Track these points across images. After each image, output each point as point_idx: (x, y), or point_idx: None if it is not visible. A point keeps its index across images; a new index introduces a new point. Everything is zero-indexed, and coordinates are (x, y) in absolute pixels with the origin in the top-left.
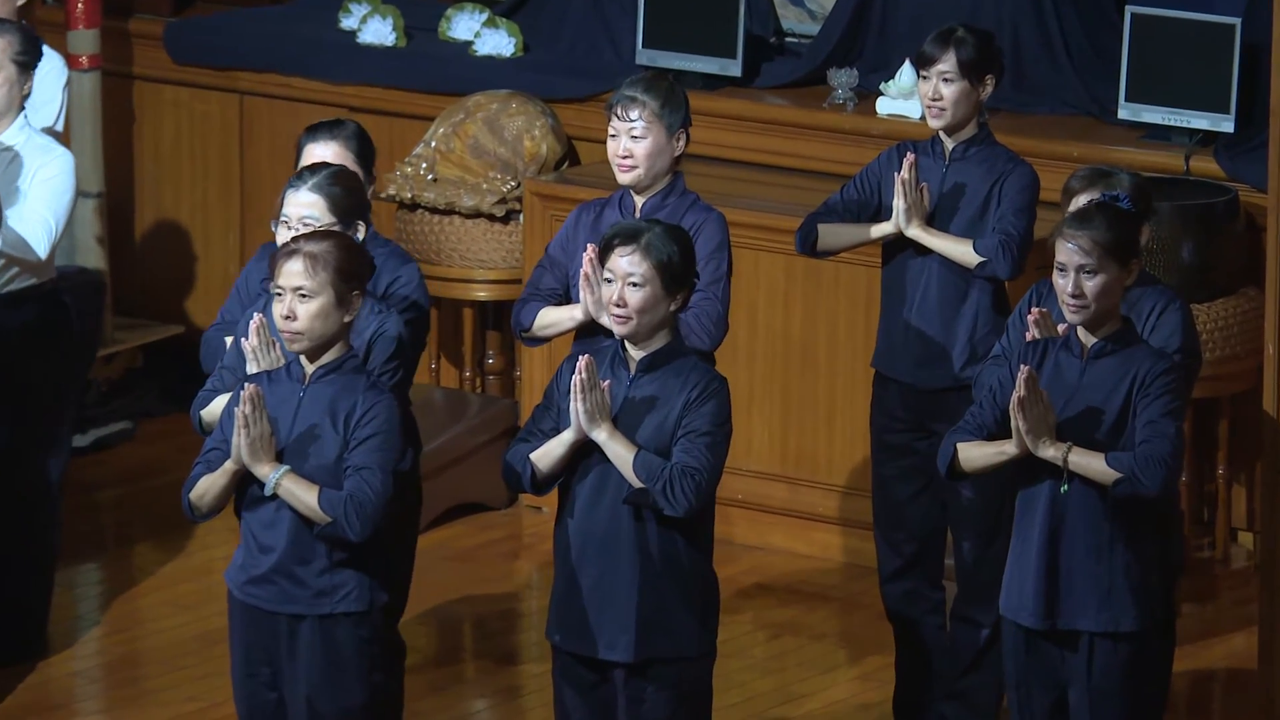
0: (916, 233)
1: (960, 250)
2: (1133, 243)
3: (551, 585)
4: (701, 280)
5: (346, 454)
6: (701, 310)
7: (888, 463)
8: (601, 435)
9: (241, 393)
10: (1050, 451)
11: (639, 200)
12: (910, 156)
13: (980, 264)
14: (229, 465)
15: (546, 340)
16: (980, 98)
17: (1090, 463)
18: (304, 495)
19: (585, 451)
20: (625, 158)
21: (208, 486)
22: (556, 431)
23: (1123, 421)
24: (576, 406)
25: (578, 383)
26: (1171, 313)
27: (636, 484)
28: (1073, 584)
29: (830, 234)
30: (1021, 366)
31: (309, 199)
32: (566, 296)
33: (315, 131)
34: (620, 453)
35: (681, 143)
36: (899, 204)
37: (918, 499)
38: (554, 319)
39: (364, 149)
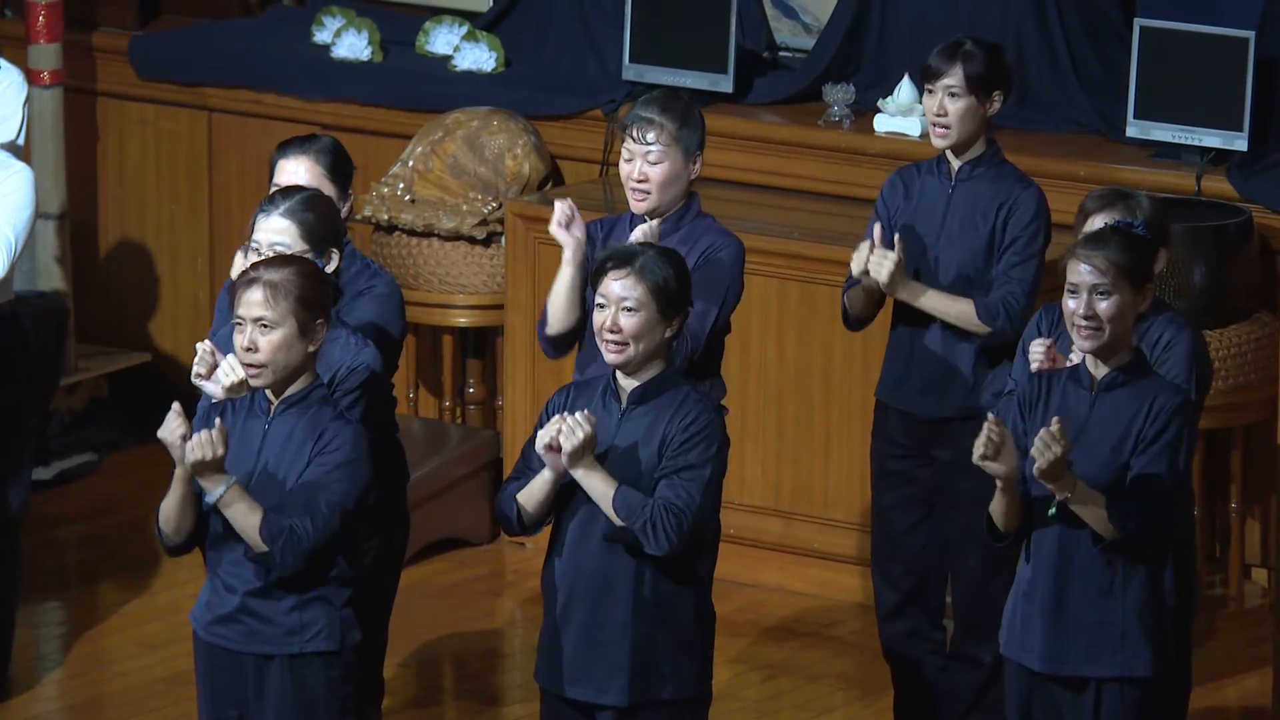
0: (907, 297)
1: (959, 311)
2: (1147, 267)
3: (539, 624)
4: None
5: (308, 471)
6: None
7: (887, 491)
8: (579, 471)
9: (210, 430)
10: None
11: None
12: (878, 231)
13: (988, 334)
14: (179, 473)
15: (568, 339)
16: (987, 114)
17: (1091, 510)
18: (248, 517)
19: (574, 488)
20: (640, 182)
21: (167, 509)
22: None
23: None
24: (553, 443)
25: (556, 420)
26: (1179, 344)
27: (617, 521)
28: (1083, 627)
29: (853, 302)
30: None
31: (280, 224)
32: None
33: (286, 147)
34: (599, 489)
35: (698, 165)
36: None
37: (917, 530)
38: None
39: (337, 165)
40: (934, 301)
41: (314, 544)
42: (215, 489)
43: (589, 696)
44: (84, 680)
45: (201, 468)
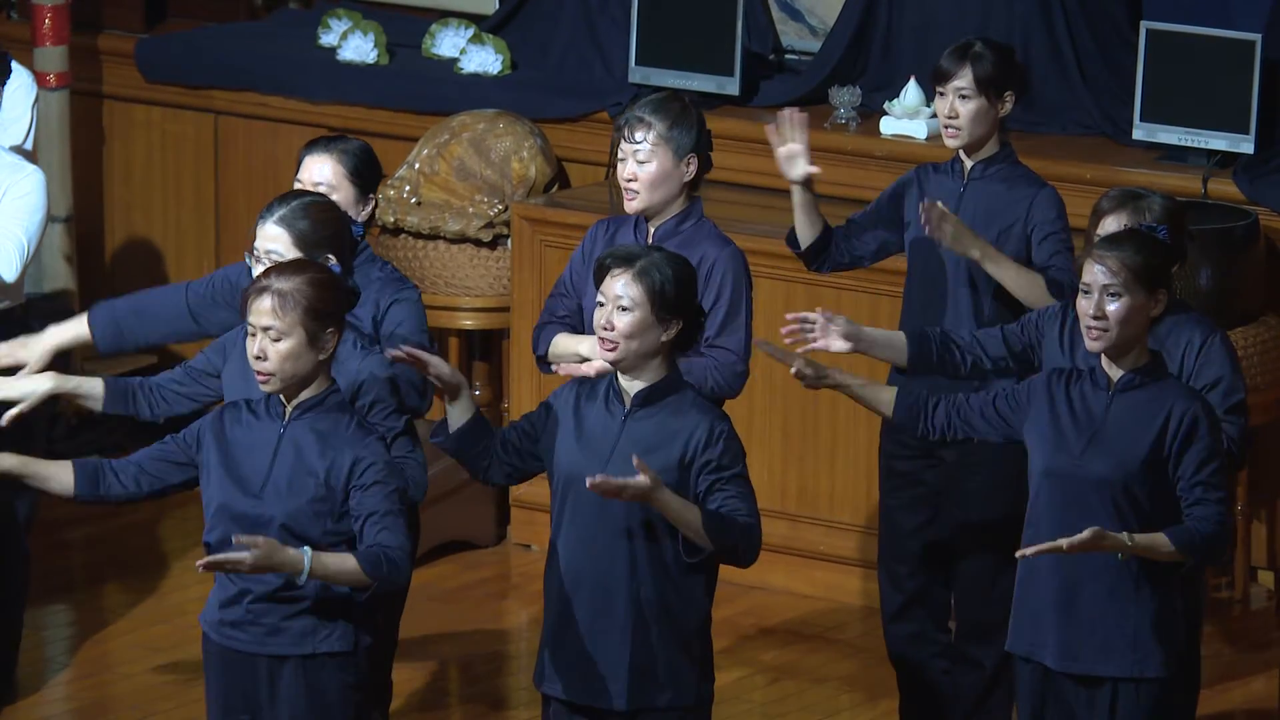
0: (979, 255)
1: (1030, 282)
2: (1162, 272)
3: (541, 628)
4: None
5: (354, 501)
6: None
7: (894, 492)
8: (662, 498)
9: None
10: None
11: (651, 226)
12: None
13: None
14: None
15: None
16: (999, 115)
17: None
18: (343, 568)
19: (573, 489)
20: (630, 181)
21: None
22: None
23: (1154, 459)
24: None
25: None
26: (1213, 347)
27: (703, 543)
28: (1095, 627)
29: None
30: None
31: (273, 232)
32: (579, 320)
33: (314, 144)
34: (685, 516)
35: (692, 167)
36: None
37: (923, 531)
38: (563, 349)
39: (360, 167)
40: (1006, 270)
41: (408, 549)
42: (302, 568)
43: (588, 700)
44: (91, 683)
45: (269, 561)
